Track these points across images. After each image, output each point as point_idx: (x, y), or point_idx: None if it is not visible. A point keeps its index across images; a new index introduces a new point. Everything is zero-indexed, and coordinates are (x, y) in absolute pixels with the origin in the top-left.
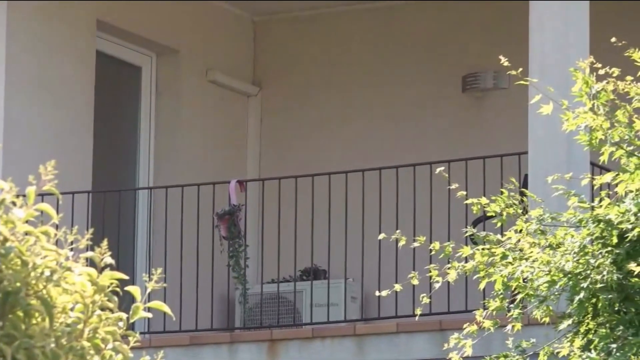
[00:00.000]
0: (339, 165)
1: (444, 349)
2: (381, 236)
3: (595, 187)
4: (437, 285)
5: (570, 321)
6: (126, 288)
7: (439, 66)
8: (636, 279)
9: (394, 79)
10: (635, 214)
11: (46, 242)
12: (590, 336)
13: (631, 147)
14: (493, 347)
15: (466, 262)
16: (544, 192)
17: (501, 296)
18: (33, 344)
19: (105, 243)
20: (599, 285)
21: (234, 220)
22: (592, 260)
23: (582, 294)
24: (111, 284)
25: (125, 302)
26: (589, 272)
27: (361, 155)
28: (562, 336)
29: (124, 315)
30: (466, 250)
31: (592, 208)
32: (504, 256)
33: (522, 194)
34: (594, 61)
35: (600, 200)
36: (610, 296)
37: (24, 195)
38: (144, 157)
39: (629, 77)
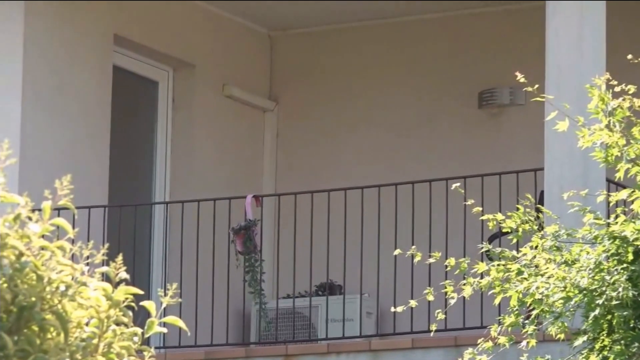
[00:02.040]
0: (355, 180)
1: None
2: (397, 252)
3: (611, 204)
4: (452, 301)
5: (585, 337)
6: (141, 303)
7: (455, 82)
8: None
9: (410, 94)
10: None
11: (62, 257)
12: (606, 353)
13: None
14: None
15: (481, 278)
16: (560, 209)
17: (516, 312)
18: (48, 359)
19: (120, 258)
20: (614, 302)
21: (250, 235)
22: (607, 277)
23: (597, 311)
24: (126, 298)
25: (141, 317)
26: (604, 288)
27: (378, 169)
28: (578, 353)
29: (139, 330)
30: (482, 266)
31: (608, 225)
32: (520, 272)
33: (538, 210)
34: (610, 78)
35: (616, 217)
36: (625, 313)
37: (40, 210)
38: (160, 172)
39: None
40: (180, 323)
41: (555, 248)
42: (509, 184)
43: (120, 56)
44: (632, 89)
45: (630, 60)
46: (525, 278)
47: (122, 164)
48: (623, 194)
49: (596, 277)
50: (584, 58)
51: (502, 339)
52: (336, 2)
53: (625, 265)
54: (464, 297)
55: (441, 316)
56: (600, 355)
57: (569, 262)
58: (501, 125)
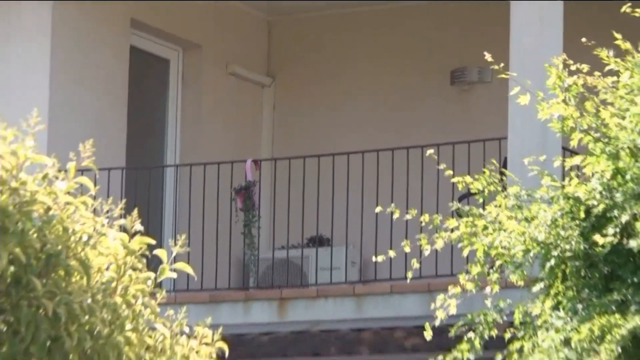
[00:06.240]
0: (343, 147)
1: (431, 308)
2: (378, 209)
3: (565, 169)
4: (426, 252)
5: (542, 284)
6: (154, 251)
7: (431, 62)
8: (600, 249)
9: (393, 73)
10: (600, 192)
11: (84, 211)
12: (559, 298)
13: (597, 134)
14: (474, 306)
15: (452, 232)
16: (521, 173)
17: (482, 262)
18: (72, 300)
19: (136, 212)
20: (567, 254)
21: (249, 194)
22: (562, 232)
23: (552, 261)
24: (141, 247)
25: (154, 263)
26: (559, 242)
27: (362, 138)
28: (535, 297)
29: (152, 275)
30: (452, 222)
31: (563, 186)
32: (485, 227)
33: (502, 173)
34: (567, 58)
35: (570, 180)
36: (577, 263)
37: (66, 170)
38: (171, 139)
39: (597, 73)
40: (188, 269)
41: (516, 207)
42: (477, 151)
43: (136, 37)
44: (585, 68)
45: (585, 44)
46: (490, 233)
47: (138, 132)
48: (576, 160)
49: (552, 232)
50: (544, 41)
51: (469, 285)
52: None
53: (577, 221)
54: (436, 249)
55: (416, 265)
56: (555, 300)
57: (529, 219)
58: (470, 99)
